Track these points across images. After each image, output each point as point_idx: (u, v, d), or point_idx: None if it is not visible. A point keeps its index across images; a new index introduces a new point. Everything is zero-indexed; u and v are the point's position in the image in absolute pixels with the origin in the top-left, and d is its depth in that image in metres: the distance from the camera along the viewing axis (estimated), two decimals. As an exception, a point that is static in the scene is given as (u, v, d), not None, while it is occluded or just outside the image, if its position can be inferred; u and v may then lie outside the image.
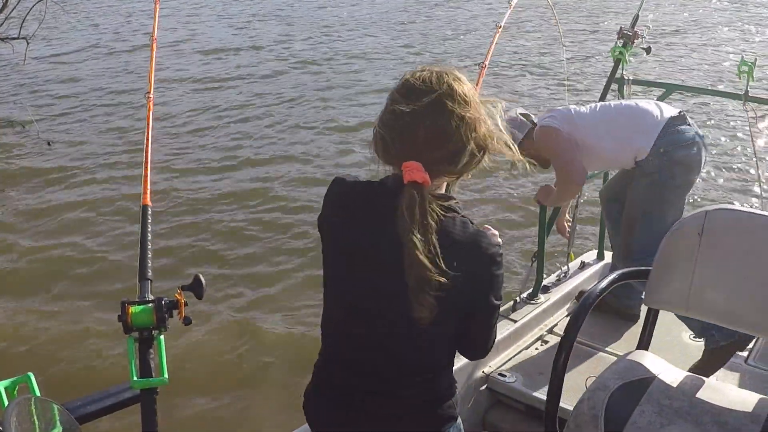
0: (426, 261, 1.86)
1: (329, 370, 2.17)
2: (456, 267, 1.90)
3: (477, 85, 4.21)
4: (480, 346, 2.18)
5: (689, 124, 4.08)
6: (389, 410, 2.10)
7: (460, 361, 3.76)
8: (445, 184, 2.09)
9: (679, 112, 4.13)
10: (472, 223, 2.01)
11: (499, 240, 2.09)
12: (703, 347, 4.07)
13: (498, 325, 4.24)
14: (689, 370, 3.20)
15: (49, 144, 9.86)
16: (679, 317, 3.84)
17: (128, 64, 14.15)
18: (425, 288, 1.88)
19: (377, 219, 2.00)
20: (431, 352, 2.08)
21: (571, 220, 5.02)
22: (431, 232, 1.89)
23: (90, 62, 14.46)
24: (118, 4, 20.71)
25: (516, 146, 2.06)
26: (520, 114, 4.29)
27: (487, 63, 4.48)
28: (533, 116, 4.31)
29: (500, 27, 4.86)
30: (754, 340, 4.14)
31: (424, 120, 1.91)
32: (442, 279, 1.87)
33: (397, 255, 1.89)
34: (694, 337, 4.24)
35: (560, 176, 4.12)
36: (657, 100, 4.87)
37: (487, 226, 2.16)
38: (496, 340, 2.19)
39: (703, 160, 4.08)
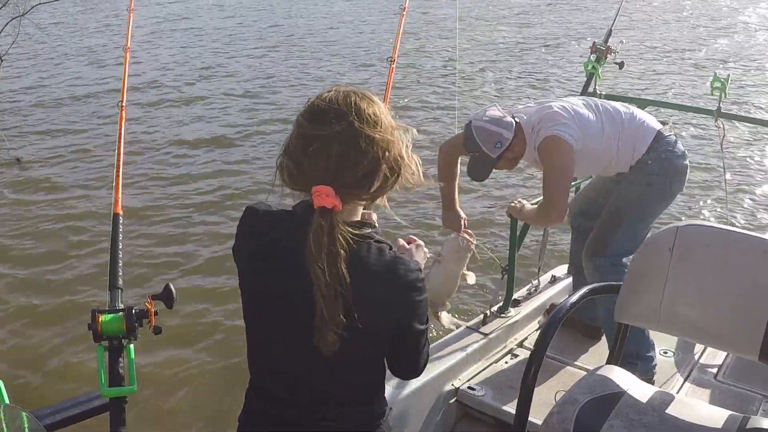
0: (328, 294, 1.80)
1: (257, 399, 2.10)
2: (370, 296, 1.87)
3: (388, 82, 4.11)
4: (409, 368, 2.13)
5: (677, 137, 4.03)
6: None
7: (429, 374, 3.78)
8: (361, 209, 1.99)
9: (663, 122, 4.07)
10: (390, 249, 1.95)
11: (425, 251, 2.07)
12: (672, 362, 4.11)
13: (468, 338, 4.30)
14: None
15: (18, 161, 9.78)
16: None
17: (102, 74, 14.05)
18: (327, 321, 1.82)
19: (286, 249, 1.93)
20: (351, 384, 2.03)
21: (542, 235, 5.05)
22: (340, 262, 1.82)
23: (62, 75, 14.34)
24: (94, 21, 20.54)
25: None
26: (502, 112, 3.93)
27: (395, 57, 4.30)
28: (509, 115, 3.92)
29: (405, 9, 4.64)
30: (724, 356, 4.17)
31: (332, 142, 1.84)
32: (349, 311, 1.83)
33: (306, 286, 1.83)
34: (663, 352, 4.28)
35: (545, 203, 3.90)
36: None
37: (412, 237, 2.14)
38: (427, 361, 2.14)
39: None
